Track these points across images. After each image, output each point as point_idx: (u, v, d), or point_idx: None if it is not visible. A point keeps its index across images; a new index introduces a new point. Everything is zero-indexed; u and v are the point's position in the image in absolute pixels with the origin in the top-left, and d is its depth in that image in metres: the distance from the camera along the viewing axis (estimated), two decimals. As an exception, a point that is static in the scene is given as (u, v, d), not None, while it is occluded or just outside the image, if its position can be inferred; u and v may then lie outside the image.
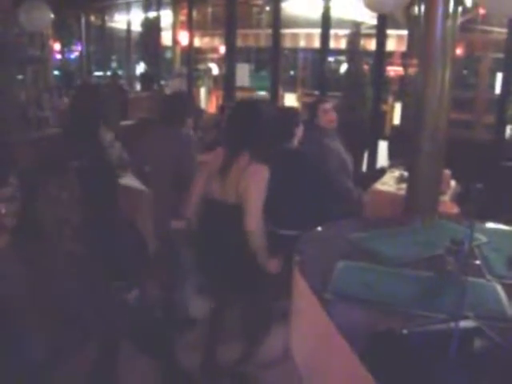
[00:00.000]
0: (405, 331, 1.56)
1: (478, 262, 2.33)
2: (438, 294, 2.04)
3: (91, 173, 2.30)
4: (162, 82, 11.26)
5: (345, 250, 2.48)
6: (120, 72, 13.31)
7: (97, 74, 14.09)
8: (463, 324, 1.54)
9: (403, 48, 9.53)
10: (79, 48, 14.21)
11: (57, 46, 13.22)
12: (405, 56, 9.64)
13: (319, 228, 2.82)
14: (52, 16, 7.00)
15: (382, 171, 6.06)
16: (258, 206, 2.78)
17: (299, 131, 3.62)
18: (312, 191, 3.43)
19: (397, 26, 8.59)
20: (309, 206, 3.39)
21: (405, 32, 8.69)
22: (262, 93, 11.79)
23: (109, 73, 12.67)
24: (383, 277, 2.19)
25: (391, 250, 2.46)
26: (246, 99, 6.48)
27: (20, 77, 7.29)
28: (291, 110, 4.02)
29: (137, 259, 2.46)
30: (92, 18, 13.83)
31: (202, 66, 13.39)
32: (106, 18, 13.48)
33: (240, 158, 2.83)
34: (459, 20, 3.52)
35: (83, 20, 13.35)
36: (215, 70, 13.52)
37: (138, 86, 12.03)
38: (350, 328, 1.78)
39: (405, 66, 9.23)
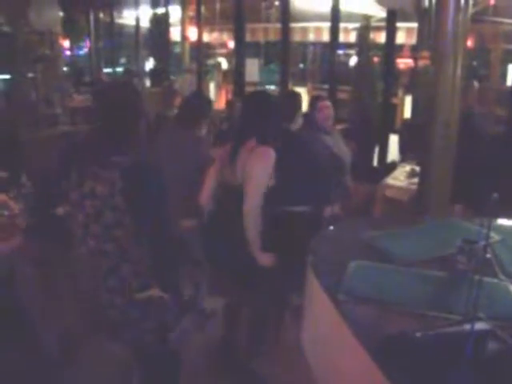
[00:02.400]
0: (418, 334, 1.55)
1: (490, 261, 2.30)
2: (451, 295, 2.03)
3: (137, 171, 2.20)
4: (172, 78, 11.26)
5: (357, 250, 2.47)
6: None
7: (106, 70, 14.11)
8: (475, 326, 1.53)
9: (413, 41, 9.45)
10: (88, 45, 14.23)
11: (66, 44, 13.24)
12: (415, 48, 9.57)
13: (331, 227, 2.82)
14: (61, 14, 7.03)
15: (393, 166, 6.05)
16: (259, 187, 2.80)
17: (300, 115, 3.76)
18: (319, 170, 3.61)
19: (406, 19, 8.52)
20: (317, 184, 3.55)
21: (415, 24, 8.62)
22: (271, 87, 11.77)
23: (118, 69, 12.65)
24: (395, 277, 2.18)
25: (403, 249, 2.45)
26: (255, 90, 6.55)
27: (30, 75, 7.32)
28: (295, 93, 4.13)
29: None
30: (101, 15, 13.84)
31: (211, 61, 13.40)
32: (115, 14, 13.50)
33: (247, 143, 2.90)
34: (470, 11, 3.49)
35: (92, 16, 13.37)
36: (224, 64, 13.50)
37: (148, 82, 12.07)
38: (363, 329, 1.77)
39: (415, 59, 9.16)
